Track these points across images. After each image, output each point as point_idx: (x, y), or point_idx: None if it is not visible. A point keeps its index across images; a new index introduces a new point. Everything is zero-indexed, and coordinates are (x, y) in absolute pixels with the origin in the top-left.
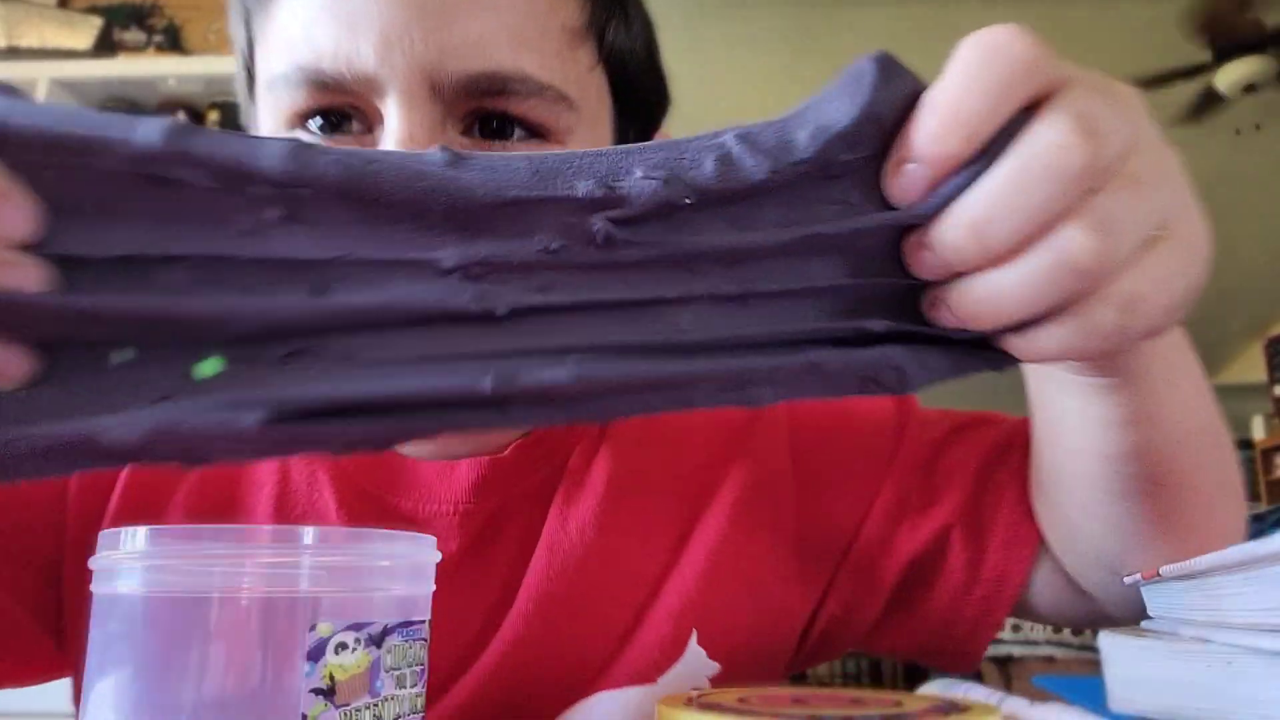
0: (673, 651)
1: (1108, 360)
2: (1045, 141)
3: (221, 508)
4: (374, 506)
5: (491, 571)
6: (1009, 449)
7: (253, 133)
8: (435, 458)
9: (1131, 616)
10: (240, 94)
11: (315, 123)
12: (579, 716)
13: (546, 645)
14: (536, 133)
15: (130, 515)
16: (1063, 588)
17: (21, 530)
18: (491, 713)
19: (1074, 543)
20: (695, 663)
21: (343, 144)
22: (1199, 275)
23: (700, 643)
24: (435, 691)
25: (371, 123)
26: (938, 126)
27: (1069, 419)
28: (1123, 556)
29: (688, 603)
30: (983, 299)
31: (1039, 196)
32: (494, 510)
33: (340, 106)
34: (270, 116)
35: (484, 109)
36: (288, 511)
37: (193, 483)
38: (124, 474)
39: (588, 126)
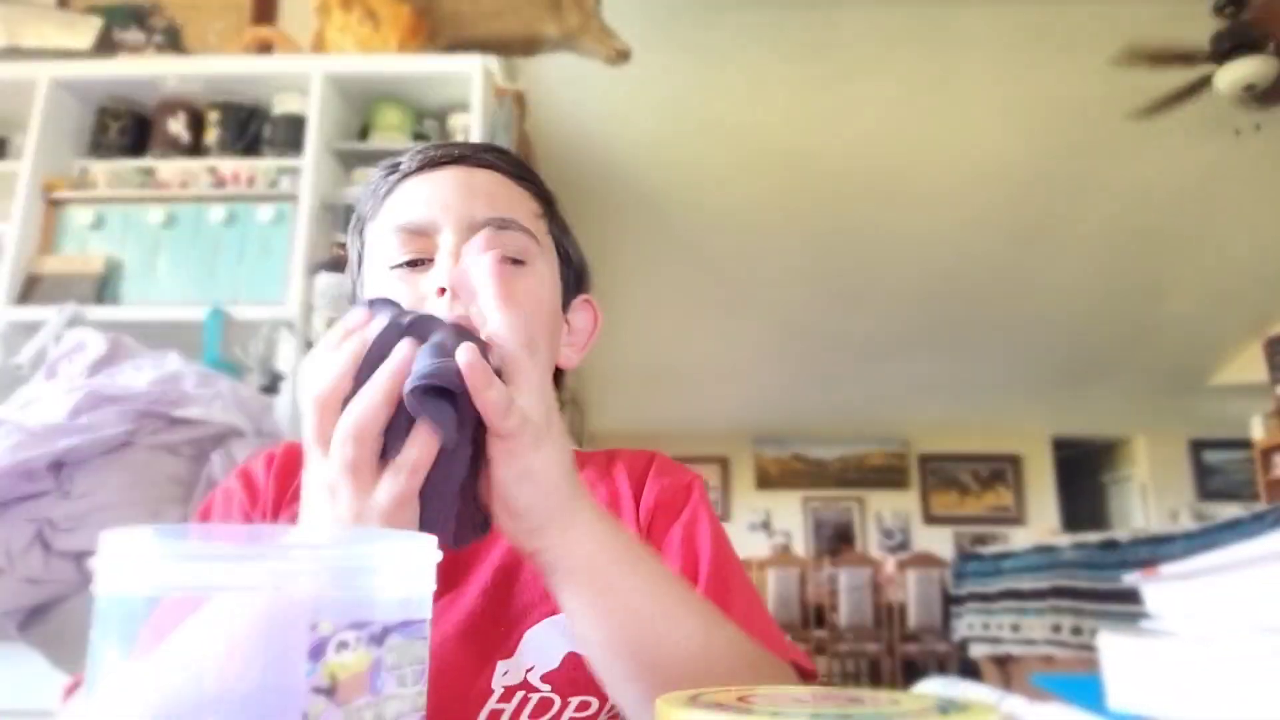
0: None
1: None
2: None
3: None
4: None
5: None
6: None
7: (352, 272)
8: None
9: None
10: (351, 253)
11: (405, 266)
12: (550, 625)
13: (500, 595)
14: (520, 260)
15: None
16: None
17: None
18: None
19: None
20: None
21: (419, 273)
22: None
23: None
24: None
25: (434, 256)
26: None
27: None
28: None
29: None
30: None
31: None
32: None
33: (417, 254)
34: (375, 260)
35: (493, 243)
36: None
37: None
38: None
39: (547, 260)
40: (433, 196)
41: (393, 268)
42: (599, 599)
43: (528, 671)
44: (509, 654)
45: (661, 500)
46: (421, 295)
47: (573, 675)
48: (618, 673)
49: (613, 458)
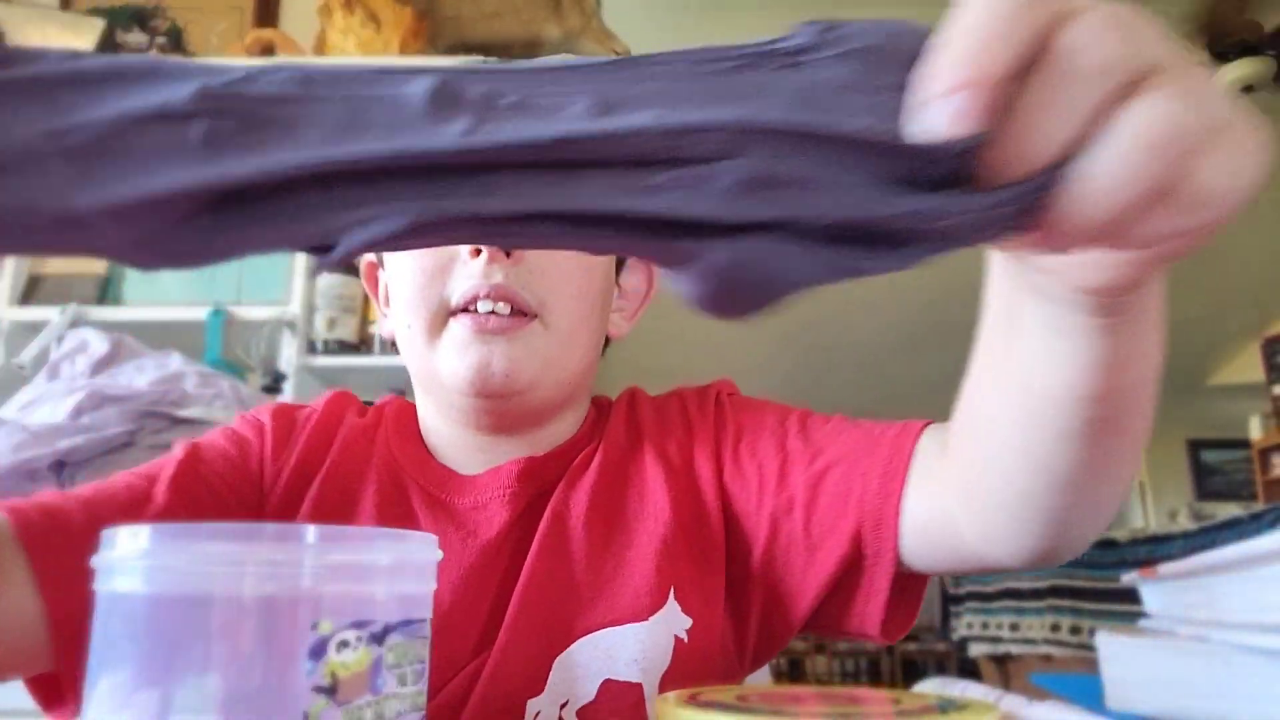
0: (657, 598)
1: (1127, 294)
2: (1082, 39)
3: (343, 499)
4: (445, 506)
5: (531, 541)
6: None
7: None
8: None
9: (1006, 560)
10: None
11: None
12: (589, 647)
13: (551, 587)
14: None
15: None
16: (940, 527)
17: None
18: (516, 646)
19: (979, 486)
20: (674, 615)
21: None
22: (1259, 169)
23: (677, 599)
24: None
25: None
26: (961, 50)
27: (1051, 360)
28: (1038, 499)
29: (665, 565)
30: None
31: (1085, 88)
32: (533, 495)
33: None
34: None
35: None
36: (386, 509)
37: (320, 480)
38: (309, 483)
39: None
40: None
41: None
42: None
43: (562, 708)
44: (538, 690)
45: (735, 422)
46: (451, 253)
47: (613, 706)
48: (1075, 429)
49: (634, 404)
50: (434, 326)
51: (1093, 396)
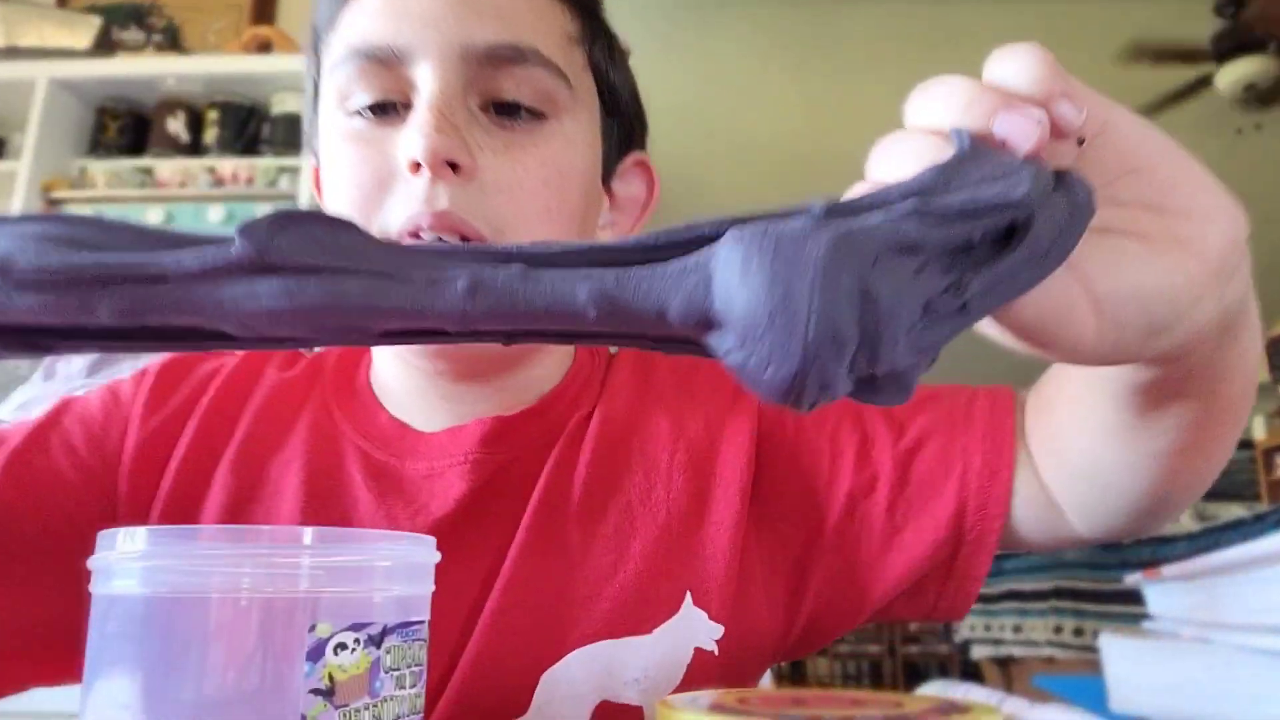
0: (665, 605)
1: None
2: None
3: (255, 484)
4: (392, 474)
5: (499, 518)
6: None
7: (308, 124)
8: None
9: (1102, 534)
10: (307, 94)
11: (367, 110)
12: (583, 662)
13: (538, 587)
14: (538, 113)
15: (178, 495)
16: (1041, 504)
17: (49, 532)
18: (494, 657)
19: (1080, 463)
20: (694, 622)
21: (385, 120)
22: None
23: (697, 604)
24: (449, 648)
25: (410, 100)
26: (1031, 70)
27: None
28: (1144, 476)
29: (678, 564)
30: None
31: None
32: (502, 463)
33: (384, 95)
34: (329, 100)
35: (498, 86)
36: (316, 487)
37: (230, 461)
38: (175, 457)
39: (582, 109)
40: (407, 6)
41: (351, 114)
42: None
43: None
44: (520, 711)
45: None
46: (390, 166)
47: None
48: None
49: (649, 369)
50: None
51: (1192, 396)
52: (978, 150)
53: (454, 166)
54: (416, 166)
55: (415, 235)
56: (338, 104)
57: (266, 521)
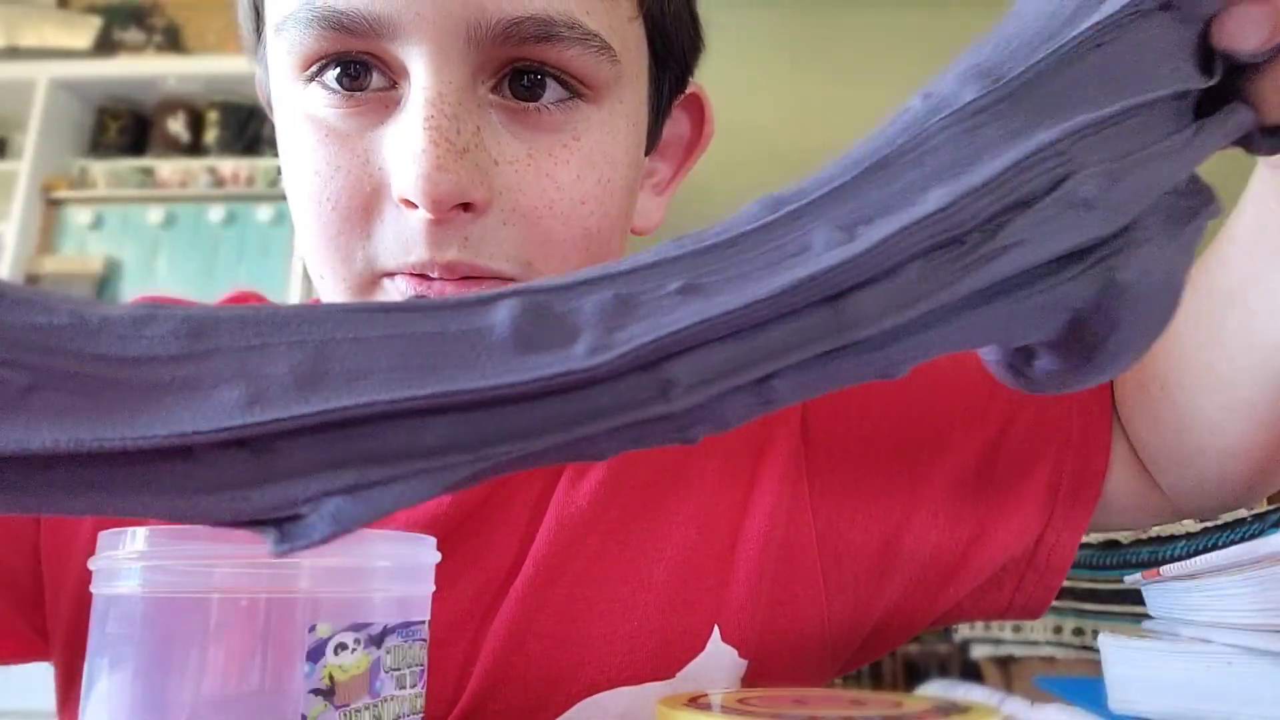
0: (690, 644)
1: None
2: None
3: None
4: None
5: (504, 536)
6: None
7: (262, 86)
8: None
9: (1201, 507)
10: (247, 40)
11: (332, 76)
12: (593, 712)
13: (549, 613)
14: (573, 89)
15: None
16: (1137, 481)
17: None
18: (502, 695)
19: (1187, 438)
20: (722, 659)
21: (363, 103)
22: None
23: (726, 639)
24: (451, 677)
25: (396, 76)
26: None
27: None
28: (1255, 451)
29: (706, 592)
30: None
31: None
32: (507, 477)
33: (358, 55)
34: (280, 64)
35: (522, 58)
36: None
37: None
38: None
39: (626, 84)
40: None
41: (314, 83)
42: None
43: None
44: None
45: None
46: (375, 182)
47: None
48: None
49: None
50: (360, 288)
51: None
52: None
53: (464, 205)
54: (411, 204)
55: (422, 278)
56: (293, 68)
57: None
